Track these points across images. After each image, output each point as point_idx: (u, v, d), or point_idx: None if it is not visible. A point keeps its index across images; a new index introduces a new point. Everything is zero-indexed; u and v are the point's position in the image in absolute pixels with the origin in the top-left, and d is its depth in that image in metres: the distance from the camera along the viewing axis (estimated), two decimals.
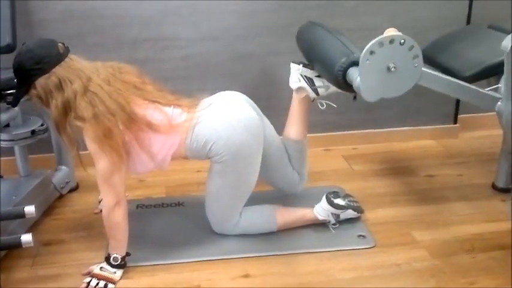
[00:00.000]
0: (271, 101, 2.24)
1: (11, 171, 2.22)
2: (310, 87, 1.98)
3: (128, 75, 1.74)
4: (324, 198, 1.94)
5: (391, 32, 1.67)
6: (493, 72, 1.87)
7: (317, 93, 1.99)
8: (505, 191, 2.20)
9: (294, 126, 2.03)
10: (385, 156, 2.60)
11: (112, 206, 1.69)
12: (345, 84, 1.67)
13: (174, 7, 2.36)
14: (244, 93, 1.97)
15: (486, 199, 2.17)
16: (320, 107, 2.03)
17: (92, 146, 1.63)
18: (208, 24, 2.42)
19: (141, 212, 2.13)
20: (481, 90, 1.66)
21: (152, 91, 1.76)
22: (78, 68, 1.64)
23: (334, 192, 1.97)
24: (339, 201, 1.94)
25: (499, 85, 1.69)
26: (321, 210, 1.93)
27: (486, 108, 1.73)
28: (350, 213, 1.96)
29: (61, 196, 2.22)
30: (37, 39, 1.71)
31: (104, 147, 1.62)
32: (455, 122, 2.80)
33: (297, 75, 2.00)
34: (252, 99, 1.96)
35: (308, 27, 2.09)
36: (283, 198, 2.11)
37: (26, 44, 1.65)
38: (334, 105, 2.01)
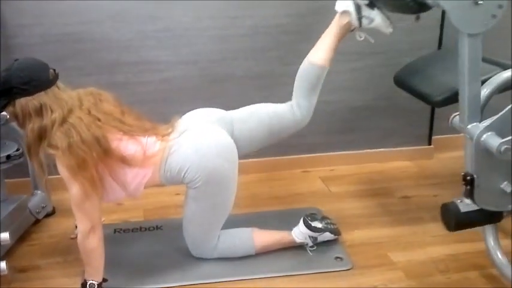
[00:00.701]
0: None
1: None
2: (357, 15, 1.89)
3: (106, 104, 1.75)
4: (301, 221, 1.96)
5: None
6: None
7: (360, 23, 1.90)
8: None
9: (323, 51, 1.94)
10: (361, 177, 2.64)
11: (86, 232, 1.68)
12: (413, 2, 1.61)
13: (153, 31, 2.38)
14: None
15: None
16: (358, 38, 1.96)
17: (64, 173, 1.63)
18: (187, 48, 2.44)
19: (119, 236, 2.12)
20: (480, 99, 1.66)
21: (130, 122, 1.76)
22: (62, 98, 1.64)
23: (311, 214, 1.99)
24: (317, 223, 1.96)
25: None
26: (299, 233, 1.95)
27: (461, 118, 1.74)
28: (327, 236, 1.98)
29: (37, 221, 2.20)
30: (32, 59, 1.70)
31: (77, 177, 1.61)
32: (429, 143, 2.86)
33: None
34: None
35: None
36: (261, 220, 2.12)
37: (19, 60, 1.65)
38: (372, 40, 1.96)
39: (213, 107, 2.48)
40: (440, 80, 2.02)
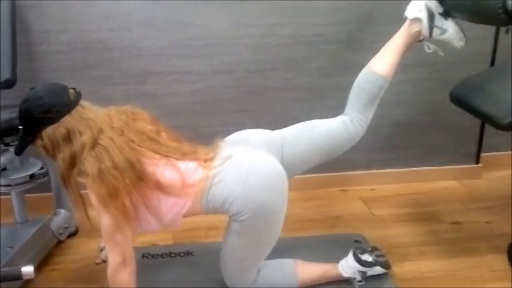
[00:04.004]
0: None
1: (5, 211, 2.04)
2: (428, 23, 1.74)
3: (141, 122, 1.58)
4: (350, 254, 1.78)
5: None
6: None
7: (431, 33, 1.75)
8: None
9: (387, 60, 1.75)
10: (405, 198, 2.45)
11: (117, 265, 1.52)
12: (505, 15, 1.45)
13: (185, 39, 2.21)
14: None
15: None
16: (427, 50, 1.81)
17: (95, 202, 1.48)
18: (221, 57, 2.27)
19: (147, 262, 1.95)
20: None
21: (167, 143, 1.59)
22: (89, 118, 1.49)
23: (360, 247, 1.81)
24: (367, 257, 1.78)
25: None
26: (347, 267, 1.77)
27: None
28: (377, 270, 1.80)
29: (59, 242, 2.04)
30: (47, 83, 1.56)
31: (108, 207, 1.46)
32: (477, 161, 2.66)
33: (421, 4, 1.74)
34: None
35: None
36: (299, 247, 1.96)
37: (35, 89, 1.49)
38: (442, 54, 1.81)
39: (246, 121, 2.34)
40: (506, 99, 1.82)
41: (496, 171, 2.65)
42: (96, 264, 1.94)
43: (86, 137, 1.45)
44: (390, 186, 2.55)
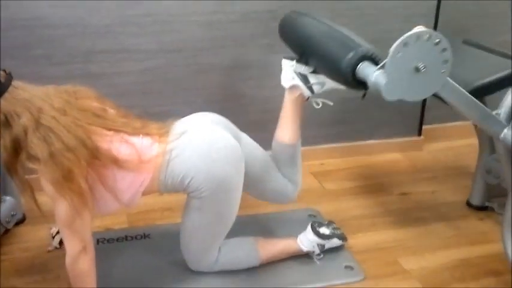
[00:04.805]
0: (237, 116, 2.05)
1: None
2: (305, 85, 1.79)
3: (85, 100, 1.50)
4: (308, 228, 1.81)
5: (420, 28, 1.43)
6: (479, 94, 1.80)
7: (312, 91, 1.80)
8: (480, 208, 2.17)
9: (286, 129, 1.83)
10: (354, 172, 2.52)
11: (77, 253, 1.47)
12: (354, 82, 1.48)
13: (133, 16, 2.13)
14: (208, 109, 1.80)
15: (464, 219, 2.13)
16: (315, 106, 1.85)
17: (49, 188, 1.40)
18: (170, 35, 2.21)
19: (103, 248, 1.90)
20: (494, 114, 1.55)
21: (115, 119, 1.53)
22: (25, 98, 1.38)
23: (317, 222, 1.86)
24: (324, 230, 1.82)
25: (499, 111, 1.61)
26: (306, 241, 1.80)
27: (491, 134, 1.63)
28: (335, 242, 1.85)
29: (6, 231, 1.95)
30: None
31: (64, 191, 1.39)
32: (419, 134, 2.77)
33: (290, 72, 1.79)
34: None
35: (295, 17, 1.86)
36: (257, 224, 2.00)
37: None
38: (331, 103, 1.84)
39: (197, 99, 2.31)
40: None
41: (436, 142, 2.78)
42: (48, 251, 1.86)
43: (26, 119, 1.36)
44: (338, 160, 2.60)
